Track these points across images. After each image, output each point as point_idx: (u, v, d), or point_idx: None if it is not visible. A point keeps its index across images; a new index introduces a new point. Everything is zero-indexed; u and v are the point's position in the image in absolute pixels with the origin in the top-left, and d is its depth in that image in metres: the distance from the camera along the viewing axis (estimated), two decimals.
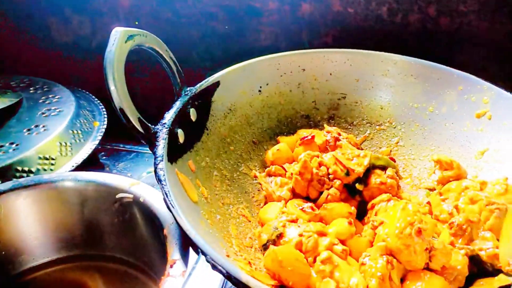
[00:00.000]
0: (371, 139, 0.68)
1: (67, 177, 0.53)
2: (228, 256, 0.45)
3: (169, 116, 0.52)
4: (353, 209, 0.55)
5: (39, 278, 0.56)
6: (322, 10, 0.74)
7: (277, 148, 0.63)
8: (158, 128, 0.50)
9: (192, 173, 0.52)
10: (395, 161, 0.63)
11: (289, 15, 0.76)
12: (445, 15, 0.69)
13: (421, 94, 0.65)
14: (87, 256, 0.56)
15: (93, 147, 0.68)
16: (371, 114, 0.69)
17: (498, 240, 0.48)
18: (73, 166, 0.64)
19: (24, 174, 0.60)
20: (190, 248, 0.45)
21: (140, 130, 0.47)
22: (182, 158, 0.52)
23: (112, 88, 0.45)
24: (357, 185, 0.57)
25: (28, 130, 0.66)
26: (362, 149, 0.65)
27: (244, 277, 0.36)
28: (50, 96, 0.76)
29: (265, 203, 0.59)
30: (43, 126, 0.67)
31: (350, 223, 0.52)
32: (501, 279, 0.46)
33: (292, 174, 0.58)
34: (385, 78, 0.68)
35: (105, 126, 0.74)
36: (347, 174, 0.57)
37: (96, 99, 0.82)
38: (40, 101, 0.74)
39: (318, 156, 0.59)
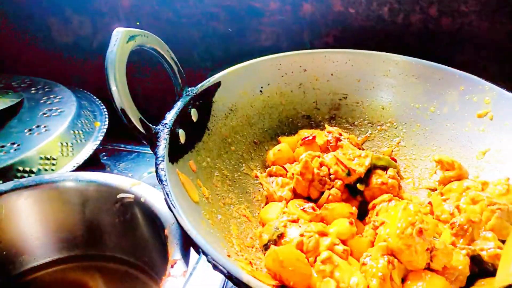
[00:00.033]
0: (372, 139, 0.68)
1: (68, 177, 0.53)
2: (229, 256, 0.45)
3: (170, 116, 0.52)
4: (354, 209, 0.55)
5: (40, 278, 0.56)
6: (323, 10, 0.74)
7: (278, 148, 0.63)
8: (159, 129, 0.50)
9: (193, 173, 0.52)
10: (396, 161, 0.63)
11: (290, 16, 0.76)
12: (447, 15, 0.69)
13: (422, 94, 0.65)
14: (88, 256, 0.56)
15: (94, 147, 0.68)
16: (373, 114, 0.69)
17: (499, 240, 0.48)
18: (74, 167, 0.64)
19: (26, 174, 0.60)
20: (191, 248, 0.45)
21: (141, 131, 0.47)
22: (183, 158, 0.52)
23: (113, 88, 0.45)
24: (358, 185, 0.57)
25: (30, 130, 0.66)
26: (363, 149, 0.65)
27: (245, 277, 0.36)
28: (51, 96, 0.76)
29: (266, 203, 0.59)
30: (44, 126, 0.67)
31: (351, 223, 0.52)
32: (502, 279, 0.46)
33: (293, 174, 0.58)
34: (387, 79, 0.68)
35: (106, 127, 0.74)
36: (348, 174, 0.57)
37: (97, 99, 0.82)
38: (41, 101, 0.74)
39: (319, 156, 0.59)
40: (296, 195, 0.58)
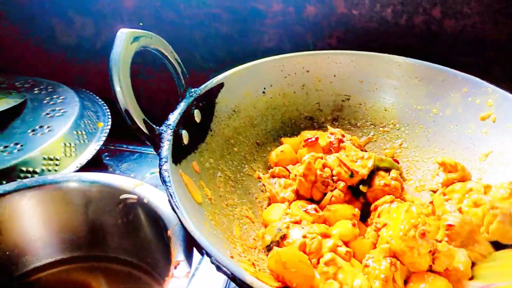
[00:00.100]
0: (375, 141, 0.68)
1: (72, 178, 0.53)
2: (232, 257, 0.45)
3: (173, 117, 0.52)
4: (357, 211, 0.55)
5: (43, 278, 0.56)
6: (326, 11, 0.74)
7: (281, 150, 0.63)
8: (162, 129, 0.50)
9: (196, 174, 0.52)
10: (398, 163, 0.63)
11: (293, 17, 0.76)
12: (450, 17, 0.69)
13: (425, 96, 0.65)
14: (91, 257, 0.56)
15: (97, 148, 0.68)
16: (375, 115, 0.69)
17: (501, 244, 0.49)
18: (77, 167, 0.64)
19: (29, 175, 0.60)
20: (194, 249, 0.45)
21: (145, 131, 0.47)
22: (186, 159, 0.52)
23: (117, 89, 0.45)
24: (360, 186, 0.57)
25: (33, 130, 0.66)
26: (366, 151, 0.65)
27: (249, 278, 0.36)
28: (55, 96, 0.76)
29: (269, 204, 0.59)
30: (48, 127, 0.67)
31: (354, 225, 0.52)
32: None
33: (296, 175, 0.58)
34: (389, 80, 0.68)
35: (109, 127, 0.74)
36: (351, 176, 0.57)
37: (99, 100, 0.82)
38: (45, 101, 0.74)
39: (321, 158, 0.59)
40: (298, 196, 0.58)
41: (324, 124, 0.70)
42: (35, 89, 0.78)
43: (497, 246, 0.49)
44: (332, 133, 0.65)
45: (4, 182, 0.57)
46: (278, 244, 0.50)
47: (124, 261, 0.55)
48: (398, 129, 0.67)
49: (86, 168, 0.65)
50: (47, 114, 0.70)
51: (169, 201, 0.42)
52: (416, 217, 0.46)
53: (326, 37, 0.76)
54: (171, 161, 0.47)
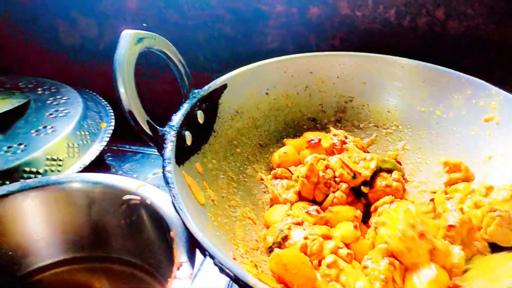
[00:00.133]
0: (378, 142, 0.68)
1: (75, 178, 0.53)
2: (234, 259, 0.45)
3: (177, 118, 0.52)
4: (359, 213, 0.55)
5: (46, 279, 0.56)
6: (329, 13, 0.74)
7: (284, 151, 0.63)
8: (166, 131, 0.50)
9: (199, 176, 0.52)
10: (401, 165, 0.63)
11: (297, 18, 0.76)
12: (453, 18, 0.69)
13: (428, 98, 0.65)
14: (94, 257, 0.56)
15: (100, 148, 0.68)
16: (378, 117, 0.69)
17: (499, 246, 0.49)
18: (80, 168, 0.64)
19: (32, 175, 0.60)
20: (197, 250, 0.45)
21: (148, 133, 0.47)
22: (189, 160, 0.52)
23: (121, 90, 0.45)
24: (362, 187, 0.57)
25: (36, 131, 0.66)
26: (368, 152, 0.65)
27: (252, 280, 0.36)
28: (58, 97, 0.76)
29: (271, 205, 0.59)
30: (51, 127, 0.67)
31: (355, 227, 0.52)
32: None
33: (298, 176, 0.58)
34: (393, 82, 0.67)
35: (112, 128, 0.74)
36: (354, 177, 0.57)
37: (103, 100, 0.82)
38: (48, 102, 0.74)
39: (324, 159, 0.59)
40: (301, 197, 0.58)
41: (327, 125, 0.70)
42: (39, 89, 0.78)
43: (496, 248, 0.49)
44: (335, 135, 0.64)
45: (8, 182, 0.57)
46: (280, 245, 0.50)
47: (127, 262, 0.55)
48: (401, 131, 0.67)
49: (89, 168, 0.65)
50: (51, 114, 0.70)
51: (172, 202, 0.42)
52: (415, 217, 0.46)
53: (329, 38, 0.76)
54: (174, 162, 0.47)
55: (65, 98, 0.76)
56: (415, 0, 0.69)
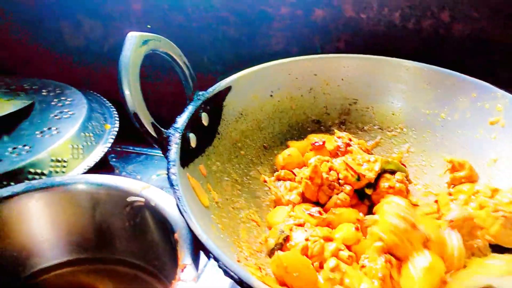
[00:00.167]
0: (382, 145, 0.68)
1: (80, 180, 0.53)
2: (239, 261, 0.45)
3: (181, 120, 0.52)
4: (361, 216, 0.55)
5: (49, 280, 0.56)
6: (334, 15, 0.74)
7: (288, 153, 0.63)
8: (170, 133, 0.50)
9: (203, 178, 0.53)
10: (406, 167, 0.62)
11: (301, 20, 0.76)
12: (458, 21, 0.69)
13: (433, 101, 0.65)
14: (98, 259, 0.56)
15: (105, 150, 0.68)
16: (383, 119, 0.69)
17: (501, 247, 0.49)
18: (84, 169, 0.64)
19: (37, 177, 0.60)
20: (201, 252, 0.45)
21: (153, 135, 0.47)
22: (194, 162, 0.52)
23: (126, 92, 0.45)
24: (366, 189, 0.57)
25: (41, 132, 0.66)
26: (372, 154, 0.65)
27: (256, 283, 0.36)
28: (62, 98, 0.76)
29: (274, 207, 0.59)
30: (56, 129, 0.67)
31: (357, 228, 0.51)
32: None
33: (302, 178, 0.58)
34: (397, 84, 0.67)
35: (116, 129, 0.74)
36: (358, 179, 0.57)
37: (107, 102, 0.82)
38: (53, 103, 0.74)
39: (328, 161, 0.59)
40: (304, 199, 0.58)
41: (331, 127, 0.70)
42: (43, 91, 0.78)
43: (500, 249, 0.49)
44: (339, 137, 0.64)
45: (12, 183, 0.57)
46: (282, 246, 0.50)
47: (131, 263, 0.55)
48: (406, 133, 0.67)
49: (93, 169, 0.65)
50: (55, 116, 0.70)
51: (177, 204, 0.42)
52: (405, 209, 0.47)
53: (334, 40, 0.76)
54: (179, 165, 0.47)
55: (69, 99, 0.76)
56: (420, 2, 0.69)
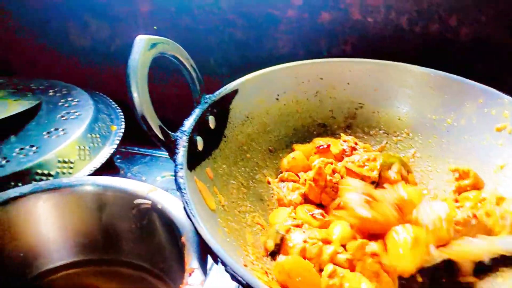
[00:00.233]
0: (388, 149, 0.68)
1: (87, 181, 0.53)
2: (245, 265, 0.45)
3: (188, 123, 0.52)
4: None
5: (56, 281, 0.56)
6: (341, 18, 0.74)
7: (293, 156, 0.63)
8: (178, 136, 0.50)
9: (210, 181, 0.53)
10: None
11: (308, 23, 0.76)
12: (466, 25, 0.69)
13: (439, 106, 0.65)
14: (104, 260, 0.56)
15: (111, 151, 0.69)
16: (389, 124, 0.69)
17: None
18: (91, 170, 0.64)
19: (44, 178, 0.60)
20: (208, 256, 0.45)
21: (161, 138, 0.47)
22: (201, 165, 0.52)
23: (135, 95, 0.45)
24: None
25: (48, 133, 0.66)
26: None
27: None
28: (69, 99, 0.76)
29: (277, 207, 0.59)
30: (63, 130, 0.67)
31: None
32: None
33: (306, 180, 0.58)
34: (404, 89, 0.67)
35: (122, 131, 0.74)
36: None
37: (113, 103, 0.82)
38: (59, 104, 0.74)
39: (332, 163, 0.59)
40: (307, 201, 0.58)
41: (337, 131, 0.70)
42: (50, 91, 0.79)
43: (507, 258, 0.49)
44: (345, 141, 0.64)
45: (20, 184, 0.58)
46: (280, 247, 0.50)
47: (137, 265, 0.55)
48: (412, 138, 0.67)
49: (98, 170, 0.66)
50: (62, 116, 0.71)
51: (184, 208, 0.42)
52: (364, 187, 0.51)
53: (340, 44, 0.76)
54: (186, 168, 0.47)
55: (76, 100, 0.76)
56: (428, 6, 0.69)
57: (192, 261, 0.42)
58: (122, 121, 0.76)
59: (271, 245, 0.51)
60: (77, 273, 0.56)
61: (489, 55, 0.70)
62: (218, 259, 0.38)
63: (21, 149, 0.63)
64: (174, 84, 0.89)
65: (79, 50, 0.93)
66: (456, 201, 0.55)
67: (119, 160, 0.84)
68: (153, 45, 0.48)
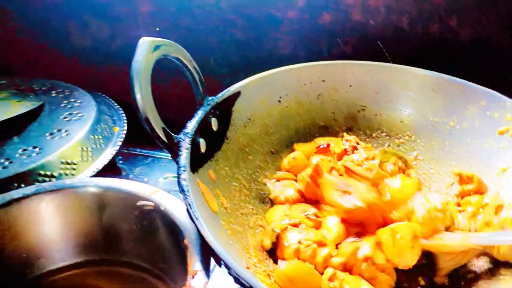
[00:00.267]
0: None
1: (89, 183, 0.53)
2: (248, 268, 0.45)
3: (191, 125, 0.52)
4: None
5: (57, 281, 0.56)
6: (342, 19, 0.74)
7: (293, 157, 0.63)
8: (181, 138, 0.50)
9: (212, 183, 0.53)
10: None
11: (309, 24, 0.76)
12: (466, 26, 0.69)
13: (442, 108, 0.65)
14: (105, 261, 0.56)
15: (114, 152, 0.68)
16: (391, 126, 0.69)
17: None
18: (94, 172, 0.64)
19: (47, 179, 0.60)
20: (211, 259, 0.45)
21: (164, 140, 0.47)
22: (203, 167, 0.52)
23: (138, 97, 0.45)
24: None
25: (50, 134, 0.66)
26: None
27: None
28: (72, 100, 0.76)
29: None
30: (65, 131, 0.67)
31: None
32: None
33: (303, 177, 0.58)
34: (406, 91, 0.67)
35: (125, 132, 0.74)
36: None
37: (115, 104, 0.82)
38: (62, 105, 0.74)
39: (330, 161, 0.59)
40: (305, 198, 0.59)
41: (339, 133, 0.70)
42: (52, 92, 0.78)
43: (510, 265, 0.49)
44: (347, 140, 0.65)
45: (23, 185, 0.58)
46: (276, 246, 0.51)
47: (138, 266, 0.55)
48: (414, 141, 0.67)
49: (100, 172, 0.66)
50: (65, 117, 0.71)
51: (187, 210, 0.43)
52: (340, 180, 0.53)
53: (341, 45, 0.76)
54: (189, 170, 0.47)
55: (78, 101, 0.76)
56: (429, 7, 0.69)
57: (195, 263, 0.42)
58: (125, 123, 0.76)
59: (268, 244, 0.51)
60: (79, 273, 0.56)
61: (489, 55, 0.70)
62: (221, 261, 0.38)
63: (24, 150, 0.63)
64: (175, 85, 0.89)
65: (79, 50, 0.93)
66: (459, 205, 0.55)
67: (121, 161, 0.84)
68: (157, 47, 0.48)
